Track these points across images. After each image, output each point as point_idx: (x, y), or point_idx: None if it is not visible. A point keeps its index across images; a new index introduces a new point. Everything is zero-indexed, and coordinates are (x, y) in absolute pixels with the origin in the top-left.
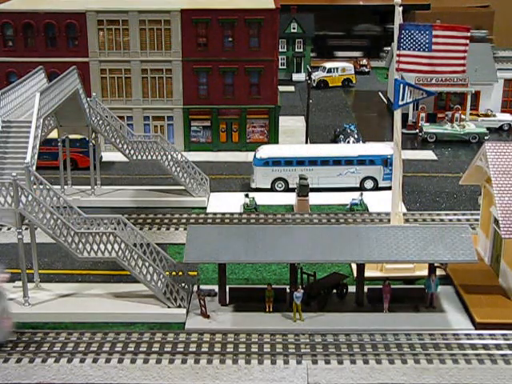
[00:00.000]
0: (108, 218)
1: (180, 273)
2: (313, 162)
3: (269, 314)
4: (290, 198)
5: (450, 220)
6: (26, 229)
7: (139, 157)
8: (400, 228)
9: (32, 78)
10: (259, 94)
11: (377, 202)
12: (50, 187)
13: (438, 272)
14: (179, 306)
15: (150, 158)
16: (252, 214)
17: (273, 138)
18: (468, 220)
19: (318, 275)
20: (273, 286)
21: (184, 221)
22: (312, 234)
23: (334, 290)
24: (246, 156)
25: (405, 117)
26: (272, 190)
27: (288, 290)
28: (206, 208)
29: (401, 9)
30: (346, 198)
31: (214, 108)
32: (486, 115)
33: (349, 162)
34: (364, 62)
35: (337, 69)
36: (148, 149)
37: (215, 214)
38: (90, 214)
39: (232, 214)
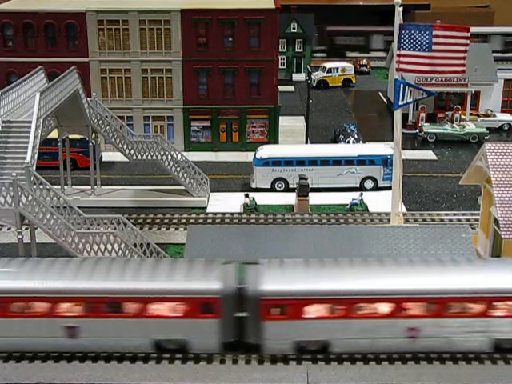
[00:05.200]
0: (108, 218)
1: None
2: (313, 161)
3: None
4: (290, 198)
5: (450, 220)
6: (26, 229)
7: (139, 157)
8: (400, 228)
9: (32, 78)
10: (259, 94)
11: (377, 202)
12: (50, 187)
13: None
14: None
15: (150, 157)
16: (252, 214)
17: (273, 138)
18: (468, 220)
19: None
20: None
21: (184, 221)
22: (312, 234)
23: None
24: (246, 156)
25: (405, 117)
26: (272, 189)
27: None
28: (205, 208)
29: (401, 9)
30: (345, 198)
31: (214, 108)
32: (486, 115)
33: (349, 162)
34: (364, 62)
35: (337, 69)
36: (148, 149)
37: (215, 213)
38: (90, 214)
39: (232, 213)
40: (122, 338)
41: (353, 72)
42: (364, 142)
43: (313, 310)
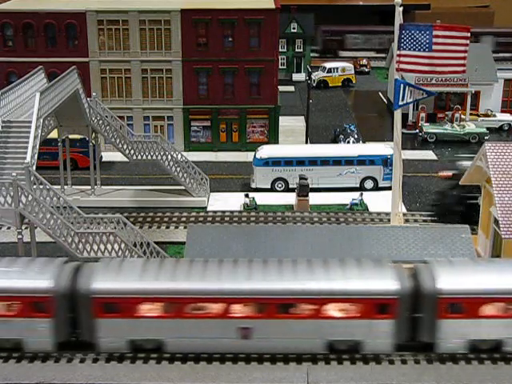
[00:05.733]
0: (108, 218)
1: None
2: (313, 162)
3: None
4: (290, 198)
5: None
6: (26, 228)
7: (139, 157)
8: (400, 228)
9: (32, 78)
10: (259, 94)
11: (377, 202)
12: (50, 187)
13: None
14: None
15: (150, 157)
16: (252, 213)
17: (273, 138)
18: None
19: None
20: None
21: (184, 219)
22: (312, 234)
23: None
24: (246, 156)
25: (405, 117)
26: (272, 189)
27: None
28: (205, 208)
29: (401, 9)
30: (345, 198)
31: (214, 108)
32: (486, 115)
33: (349, 162)
34: (364, 62)
35: (337, 69)
36: (148, 149)
37: (215, 212)
38: (90, 214)
39: (232, 212)
40: (295, 339)
41: (353, 72)
42: (364, 142)
43: (487, 309)
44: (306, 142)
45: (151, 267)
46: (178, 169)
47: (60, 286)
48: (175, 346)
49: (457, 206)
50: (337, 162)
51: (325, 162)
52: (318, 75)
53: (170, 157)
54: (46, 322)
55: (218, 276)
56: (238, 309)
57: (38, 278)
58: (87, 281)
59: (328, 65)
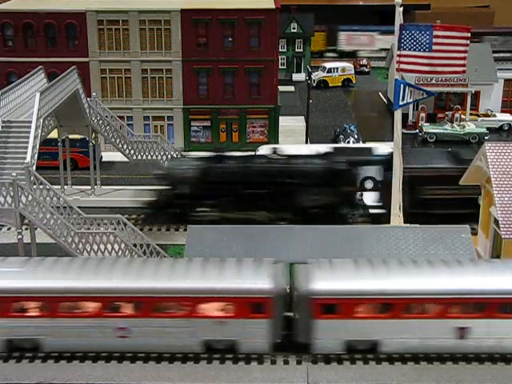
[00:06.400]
0: (108, 218)
1: None
2: None
3: None
4: None
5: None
6: (26, 229)
7: (139, 157)
8: (400, 228)
9: (32, 78)
10: (259, 94)
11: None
12: (50, 187)
13: None
14: None
15: (149, 157)
16: None
17: (273, 138)
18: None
19: None
20: None
21: None
22: (312, 234)
23: None
24: None
25: (405, 117)
26: None
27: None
28: None
29: (401, 9)
30: None
31: (214, 108)
32: (486, 115)
33: None
34: (364, 61)
35: (337, 69)
36: (148, 149)
37: None
38: (90, 214)
39: None
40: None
41: (353, 72)
42: (364, 142)
43: None
44: (306, 142)
45: (363, 267)
46: None
47: (279, 287)
48: (390, 347)
49: (168, 205)
50: None
51: None
52: (318, 75)
53: (169, 157)
54: (264, 323)
55: (434, 276)
56: (456, 309)
57: (256, 279)
58: (306, 282)
59: (328, 65)
